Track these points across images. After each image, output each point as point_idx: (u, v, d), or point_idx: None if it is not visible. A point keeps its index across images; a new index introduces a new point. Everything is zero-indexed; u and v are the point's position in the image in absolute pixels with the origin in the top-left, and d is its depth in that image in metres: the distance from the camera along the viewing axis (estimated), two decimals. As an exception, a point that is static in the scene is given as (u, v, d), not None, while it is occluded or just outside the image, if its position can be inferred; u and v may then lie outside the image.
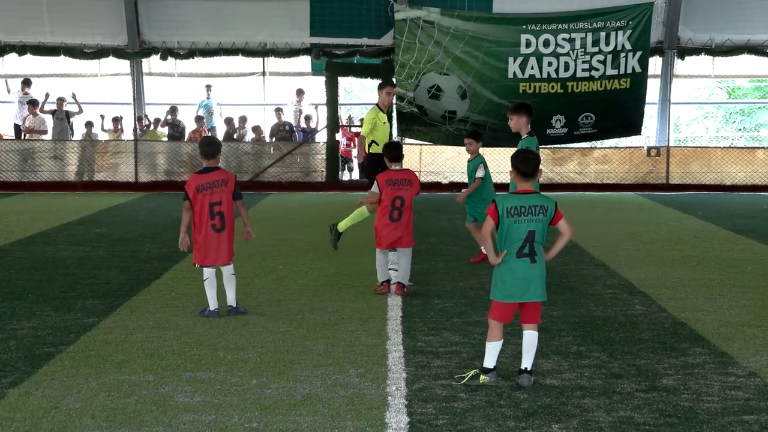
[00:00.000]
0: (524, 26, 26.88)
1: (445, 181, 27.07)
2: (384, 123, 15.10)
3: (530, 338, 7.59)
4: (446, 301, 10.94)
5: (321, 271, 12.98)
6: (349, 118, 31.59)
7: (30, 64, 29.96)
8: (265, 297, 11.14)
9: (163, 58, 29.65)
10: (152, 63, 30.46)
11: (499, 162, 27.04)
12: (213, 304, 10.10)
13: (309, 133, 29.08)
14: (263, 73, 30.92)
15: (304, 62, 30.41)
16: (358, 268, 13.10)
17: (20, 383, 7.46)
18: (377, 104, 15.37)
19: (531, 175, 7.65)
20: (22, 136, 28.36)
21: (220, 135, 29.17)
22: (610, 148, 28.13)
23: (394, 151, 11.56)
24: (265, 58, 30.38)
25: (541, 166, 8.38)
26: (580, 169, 28.58)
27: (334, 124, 28.04)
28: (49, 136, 28.45)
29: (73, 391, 7.27)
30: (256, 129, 29.05)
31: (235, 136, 28.93)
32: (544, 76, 26.80)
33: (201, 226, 10.01)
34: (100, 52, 29.53)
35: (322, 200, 24.53)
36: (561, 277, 12.51)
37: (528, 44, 26.81)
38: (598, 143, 28.86)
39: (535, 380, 7.56)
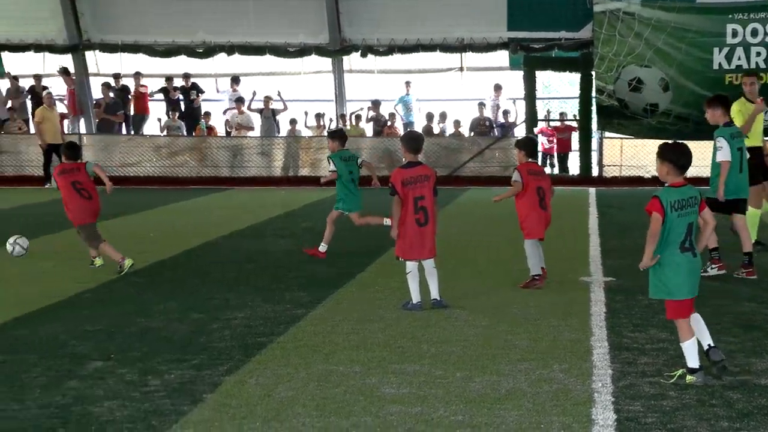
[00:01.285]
0: (730, 15, 26.00)
1: (647, 176, 26.45)
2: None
3: (698, 319, 7.49)
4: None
5: (520, 265, 12.89)
6: (548, 112, 31.29)
7: (237, 63, 30.97)
8: (466, 291, 11.17)
9: (363, 55, 30.12)
10: (353, 60, 30.97)
11: (705, 156, 26.21)
12: (416, 297, 10.20)
13: (507, 128, 28.97)
14: (460, 69, 30.97)
15: (502, 57, 30.31)
16: (558, 262, 12.98)
17: (235, 371, 7.73)
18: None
19: (686, 167, 7.47)
20: (232, 133, 29.31)
21: (418, 130, 29.37)
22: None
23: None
24: (463, 54, 30.42)
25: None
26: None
27: (532, 118, 27.86)
28: (255, 133, 29.33)
29: (285, 380, 7.48)
30: (456, 123, 29.13)
31: (435, 132, 29.09)
32: (752, 66, 25.83)
33: (405, 220, 10.11)
34: (303, 51, 30.25)
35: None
36: (774, 274, 12.06)
37: (734, 34, 25.91)
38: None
39: (743, 380, 7.32)
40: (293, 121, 29.47)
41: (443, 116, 29.51)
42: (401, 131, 28.89)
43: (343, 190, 14.21)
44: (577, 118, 28.20)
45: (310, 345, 8.63)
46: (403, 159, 10.59)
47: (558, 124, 29.23)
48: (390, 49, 29.88)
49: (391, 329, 9.25)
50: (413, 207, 10.08)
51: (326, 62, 30.87)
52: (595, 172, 28.09)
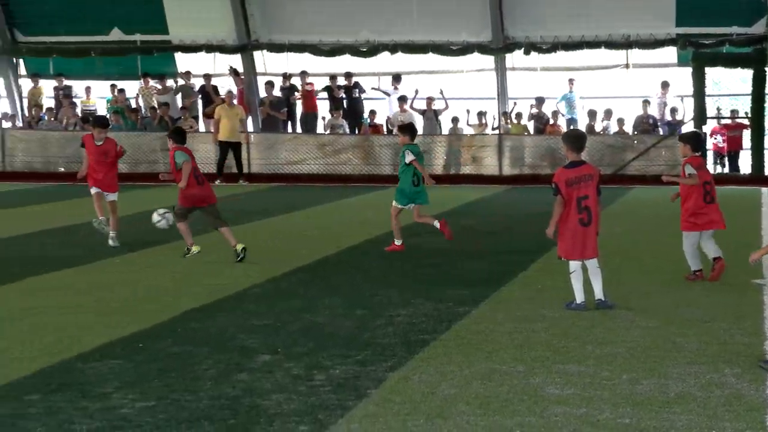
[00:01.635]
0: None
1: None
2: None
3: None
4: (828, 301, 10.31)
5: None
6: (718, 110, 30.45)
7: (399, 61, 31.17)
8: (632, 291, 10.98)
9: (526, 52, 29.92)
10: (515, 58, 30.79)
11: None
12: (579, 296, 10.08)
13: (675, 126, 28.29)
14: (626, 66, 30.42)
15: (669, 53, 29.64)
16: (728, 263, 12.62)
17: (399, 368, 7.79)
18: None
19: None
20: (394, 131, 29.48)
21: (581, 128, 28.99)
22: None
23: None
24: (628, 50, 29.87)
25: None
26: None
27: (700, 117, 27.15)
28: (418, 131, 29.40)
29: (448, 378, 7.49)
30: (620, 121, 28.63)
31: (598, 130, 28.65)
32: None
33: (568, 219, 10.00)
34: (465, 49, 30.24)
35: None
36: None
37: None
38: None
39: None
40: (455, 119, 29.49)
41: (608, 114, 29.00)
42: (564, 129, 28.58)
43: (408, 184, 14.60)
44: (749, 115, 27.36)
45: (473, 343, 8.63)
46: (566, 158, 10.47)
47: (728, 121, 28.39)
48: (553, 47, 29.60)
49: (555, 329, 9.16)
50: (576, 207, 9.95)
51: (488, 60, 30.78)
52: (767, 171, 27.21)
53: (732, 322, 9.29)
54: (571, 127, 27.97)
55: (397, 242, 14.43)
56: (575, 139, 10.43)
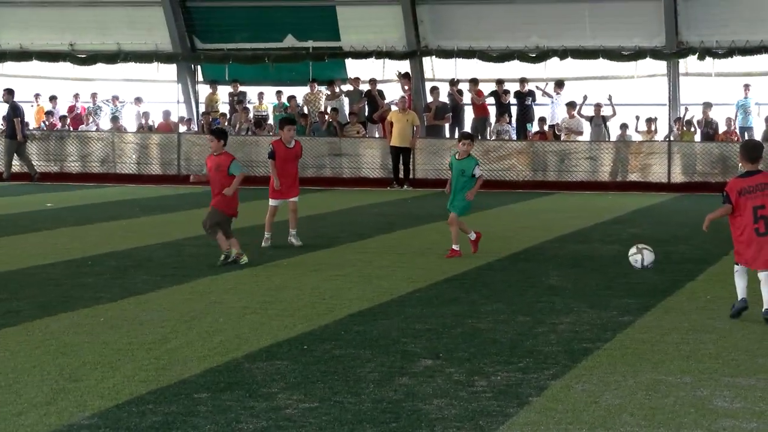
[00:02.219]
0: None
1: None
2: None
3: None
4: None
5: None
6: None
7: (568, 67, 30.87)
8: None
9: (701, 57, 29.20)
10: (689, 63, 30.09)
11: None
12: (740, 294, 9.88)
13: None
14: (807, 70, 29.34)
15: None
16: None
17: (561, 376, 7.72)
18: None
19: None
20: (561, 137, 29.20)
21: (758, 135, 28.11)
22: None
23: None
24: (815, 54, 28.79)
25: None
26: None
27: None
28: (584, 137, 29.10)
29: (611, 387, 7.38)
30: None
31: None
32: None
33: (744, 229, 9.72)
34: (637, 54, 29.72)
35: None
36: None
37: None
38: None
39: None
40: (624, 126, 29.00)
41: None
42: (739, 137, 27.80)
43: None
44: None
45: (638, 353, 8.48)
46: (740, 167, 10.16)
47: None
48: (730, 51, 28.82)
49: (724, 341, 8.92)
50: (752, 216, 9.66)
51: (661, 65, 30.16)
52: None
53: None
54: (746, 135, 27.19)
55: (455, 247, 14.34)
56: (751, 149, 10.12)
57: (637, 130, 29.07)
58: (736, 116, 28.38)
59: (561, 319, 9.95)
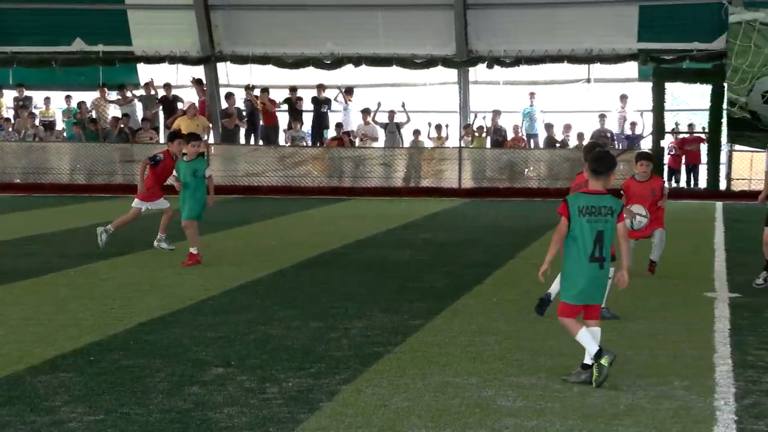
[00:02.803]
0: None
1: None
2: None
3: (598, 333, 7.81)
4: (779, 315, 10.44)
5: (644, 280, 12.68)
6: (676, 124, 30.75)
7: (363, 74, 31.23)
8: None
9: (489, 66, 30.10)
10: (478, 71, 30.96)
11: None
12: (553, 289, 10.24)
13: (634, 140, 28.53)
14: (587, 80, 30.66)
15: (630, 68, 29.94)
16: (681, 278, 12.76)
17: (352, 380, 7.79)
18: None
19: (602, 173, 7.65)
20: (356, 143, 29.49)
21: (540, 142, 29.22)
22: None
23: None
24: (591, 65, 30.11)
25: None
26: None
27: (659, 131, 27.41)
28: (379, 144, 29.53)
29: (401, 390, 7.51)
30: (579, 135, 28.82)
31: (557, 145, 28.85)
32: None
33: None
34: (429, 62, 30.38)
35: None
36: None
37: None
38: None
39: None
40: (416, 132, 29.58)
41: (567, 128, 29.23)
42: (526, 143, 28.85)
43: None
44: (707, 130, 27.63)
45: (427, 356, 8.65)
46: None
47: (686, 135, 28.65)
48: (517, 61, 29.83)
49: (509, 342, 9.20)
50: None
51: (452, 73, 30.91)
52: (723, 185, 27.46)
53: (682, 335, 9.39)
54: (532, 142, 28.26)
55: None
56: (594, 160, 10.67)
57: (429, 137, 29.70)
58: (522, 123, 29.38)
59: (353, 323, 10.04)
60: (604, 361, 7.50)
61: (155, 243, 15.30)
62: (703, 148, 27.77)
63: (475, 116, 29.90)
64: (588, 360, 7.66)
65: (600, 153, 7.96)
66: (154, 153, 15.74)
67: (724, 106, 26.67)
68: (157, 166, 15.18)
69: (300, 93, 30.23)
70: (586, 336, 7.68)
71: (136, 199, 15.39)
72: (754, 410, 6.94)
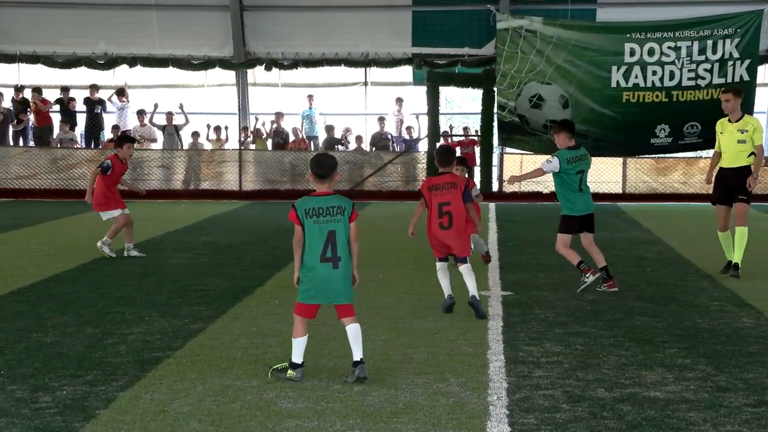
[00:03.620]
0: (628, 35, 26.61)
1: (546, 191, 26.89)
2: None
3: (353, 330, 7.93)
4: (547, 311, 10.87)
5: (421, 280, 13.00)
6: (450, 127, 31.66)
7: (140, 75, 30.68)
8: (366, 305, 11.16)
9: (268, 68, 30.11)
10: (257, 73, 30.93)
11: (601, 172, 26.85)
12: (446, 291, 10.79)
13: (411, 143, 29.14)
14: (365, 83, 31.13)
15: (406, 72, 30.59)
16: (458, 278, 13.08)
17: (130, 387, 7.63)
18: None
19: (324, 176, 7.89)
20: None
21: (320, 144, 29.47)
22: (716, 157, 27.56)
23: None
24: (367, 68, 30.61)
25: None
26: (684, 179, 28.14)
27: (434, 133, 28.09)
28: (157, 146, 29.05)
29: (181, 395, 7.40)
30: (359, 138, 29.26)
31: (339, 147, 29.14)
32: (649, 85, 26.48)
33: (430, 223, 10.79)
34: (206, 64, 30.13)
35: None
36: (665, 289, 12.35)
37: (632, 53, 26.52)
38: (703, 153, 28.38)
39: (633, 392, 7.47)
40: (195, 134, 29.27)
41: (347, 130, 29.61)
42: (308, 145, 29.03)
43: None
44: (479, 133, 28.47)
45: (208, 360, 8.56)
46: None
47: (461, 138, 29.47)
48: (295, 63, 29.94)
49: (289, 343, 9.15)
50: (438, 211, 10.60)
51: (230, 75, 30.76)
52: (495, 187, 28.40)
53: (458, 333, 9.64)
54: (312, 144, 28.42)
55: None
56: (442, 153, 11.10)
57: (208, 139, 29.45)
58: (302, 125, 29.54)
59: (132, 329, 9.83)
60: (289, 374, 7.80)
61: (125, 252, 15.33)
62: (477, 150, 28.59)
63: (257, 119, 29.88)
64: (296, 359, 7.88)
65: (318, 157, 8.02)
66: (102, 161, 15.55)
67: (495, 110, 27.55)
68: (107, 173, 15.20)
69: (73, 93, 29.37)
70: (301, 344, 7.91)
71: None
72: (524, 404, 7.20)
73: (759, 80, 27.34)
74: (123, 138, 16.33)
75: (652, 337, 9.49)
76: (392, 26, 29.94)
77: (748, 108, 26.15)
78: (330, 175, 7.93)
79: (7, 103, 29.06)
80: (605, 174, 27.28)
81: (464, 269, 10.67)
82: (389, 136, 29.35)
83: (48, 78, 30.28)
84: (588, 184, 12.41)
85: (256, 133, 29.36)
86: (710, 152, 28.00)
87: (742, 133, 13.40)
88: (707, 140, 26.68)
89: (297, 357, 7.89)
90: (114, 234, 15.38)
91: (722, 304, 11.35)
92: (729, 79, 26.03)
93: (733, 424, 6.77)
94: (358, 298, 11.38)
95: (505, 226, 20.45)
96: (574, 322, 10.21)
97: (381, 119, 29.52)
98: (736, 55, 26.26)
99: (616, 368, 8.21)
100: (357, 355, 7.86)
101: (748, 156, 13.41)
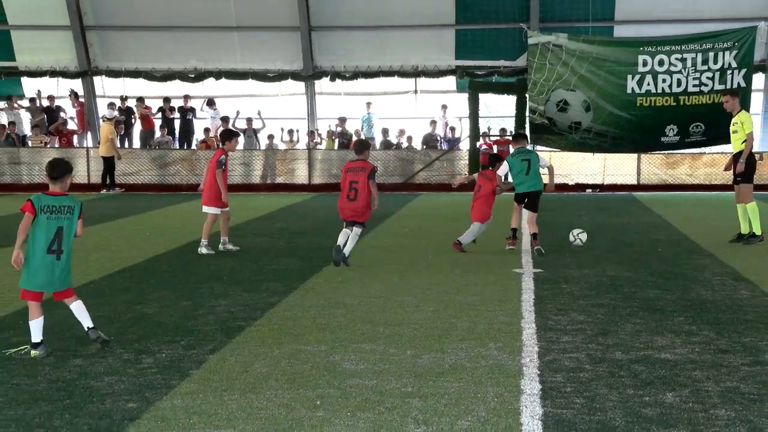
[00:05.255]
0: (641, 48, 26.33)
1: (571, 183, 26.66)
2: None
3: (78, 306, 7.79)
4: (573, 286, 10.78)
5: (465, 257, 12.95)
6: (488, 129, 31.42)
7: (224, 87, 30.91)
8: (419, 281, 11.18)
9: (332, 80, 30.17)
10: (323, 84, 30.99)
11: (618, 166, 26.58)
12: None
13: (454, 142, 29.06)
14: (415, 91, 31.07)
15: (450, 82, 30.48)
16: (496, 257, 13.05)
17: (218, 351, 7.70)
18: None
19: (56, 179, 7.62)
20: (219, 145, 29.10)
21: (378, 144, 29.45)
22: (718, 153, 27.18)
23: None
24: (417, 79, 30.54)
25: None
26: (690, 171, 27.77)
27: (475, 134, 27.97)
28: (239, 146, 29.22)
29: (260, 358, 7.45)
30: (409, 138, 29.22)
31: (394, 146, 29.14)
32: (659, 91, 26.16)
33: (343, 195, 12.53)
34: (280, 76, 30.26)
35: (464, 199, 24.44)
36: (674, 266, 12.20)
37: (645, 64, 26.21)
38: (707, 149, 28.00)
39: (646, 354, 7.39)
40: (271, 136, 29.43)
41: (401, 132, 29.61)
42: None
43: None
44: (513, 133, 28.27)
45: (283, 328, 8.61)
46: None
47: (497, 138, 29.32)
48: (355, 75, 29.97)
49: (352, 314, 9.24)
50: (348, 186, 12.17)
51: (300, 86, 30.86)
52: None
53: (496, 305, 9.59)
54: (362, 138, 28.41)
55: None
56: (357, 144, 12.70)
57: (282, 140, 29.57)
58: (362, 128, 29.56)
59: (219, 302, 9.91)
60: (33, 354, 7.41)
61: (220, 246, 14.02)
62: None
63: (329, 126, 30.00)
64: (35, 339, 7.51)
65: (53, 162, 7.72)
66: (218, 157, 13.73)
67: (527, 113, 27.38)
68: (222, 167, 13.66)
69: (174, 103, 29.71)
70: (37, 324, 7.55)
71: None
72: (553, 365, 7.15)
73: (754, 86, 26.91)
74: (230, 132, 14.52)
75: (662, 307, 9.39)
76: (438, 42, 29.83)
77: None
78: (62, 178, 7.65)
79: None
80: (622, 167, 26.99)
81: (355, 232, 12.28)
82: (438, 137, 29.27)
83: (146, 90, 30.60)
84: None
85: (329, 134, 29.47)
86: (713, 148, 27.86)
87: (734, 125, 14.43)
88: (710, 138, 26.37)
89: (36, 337, 7.51)
90: (209, 231, 13.93)
91: (723, 278, 11.19)
92: (728, 86, 25.61)
93: (732, 381, 6.69)
94: (411, 275, 11.40)
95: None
96: (595, 295, 10.13)
97: (433, 122, 29.43)
98: (734, 65, 25.86)
99: (631, 334, 8.13)
100: (86, 323, 7.75)
101: (742, 143, 14.33)
